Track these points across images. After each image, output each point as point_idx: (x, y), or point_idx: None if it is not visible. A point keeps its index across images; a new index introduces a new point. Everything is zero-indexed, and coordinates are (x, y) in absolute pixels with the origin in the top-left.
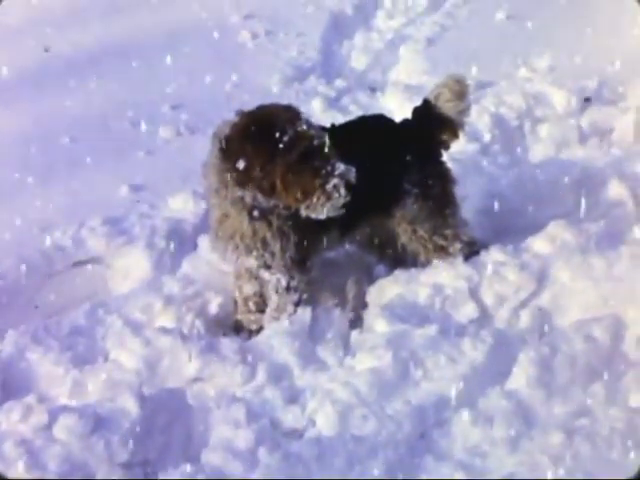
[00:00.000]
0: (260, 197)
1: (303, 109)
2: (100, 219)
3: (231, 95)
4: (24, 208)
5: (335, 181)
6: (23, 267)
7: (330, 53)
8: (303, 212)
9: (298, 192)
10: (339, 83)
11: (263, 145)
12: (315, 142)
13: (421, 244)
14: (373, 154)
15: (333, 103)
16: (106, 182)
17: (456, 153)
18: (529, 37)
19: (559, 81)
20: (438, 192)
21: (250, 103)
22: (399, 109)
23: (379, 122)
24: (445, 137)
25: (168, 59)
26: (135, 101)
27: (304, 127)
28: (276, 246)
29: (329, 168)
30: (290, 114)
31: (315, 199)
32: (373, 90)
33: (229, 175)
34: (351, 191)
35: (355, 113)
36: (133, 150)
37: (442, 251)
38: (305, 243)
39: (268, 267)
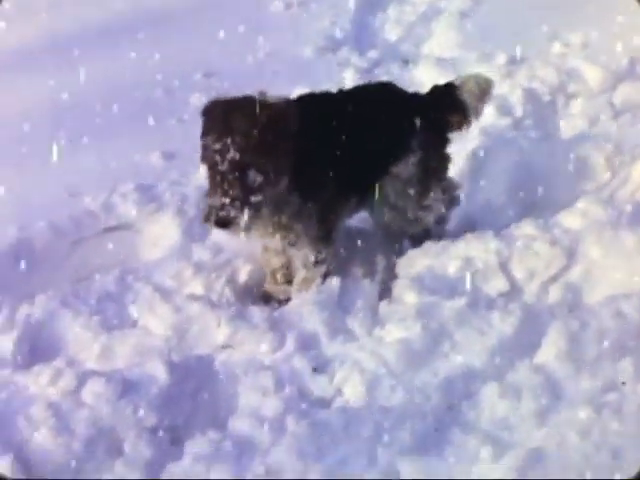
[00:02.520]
0: None
1: (335, 79)
2: (131, 185)
3: (263, 64)
4: (55, 173)
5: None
6: (53, 232)
7: (363, 25)
8: None
9: None
10: (372, 54)
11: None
12: (210, 163)
13: (409, 203)
14: (381, 117)
15: (365, 74)
16: (138, 149)
17: (488, 127)
18: (563, 12)
19: (592, 57)
20: (433, 165)
21: (282, 72)
22: (431, 82)
23: (390, 88)
24: (455, 119)
25: (201, 27)
26: (168, 69)
27: (218, 145)
28: (298, 227)
29: (211, 193)
30: (232, 121)
31: None
32: (405, 62)
33: None
34: (221, 227)
35: None
36: (165, 118)
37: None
38: (327, 217)
39: (293, 244)
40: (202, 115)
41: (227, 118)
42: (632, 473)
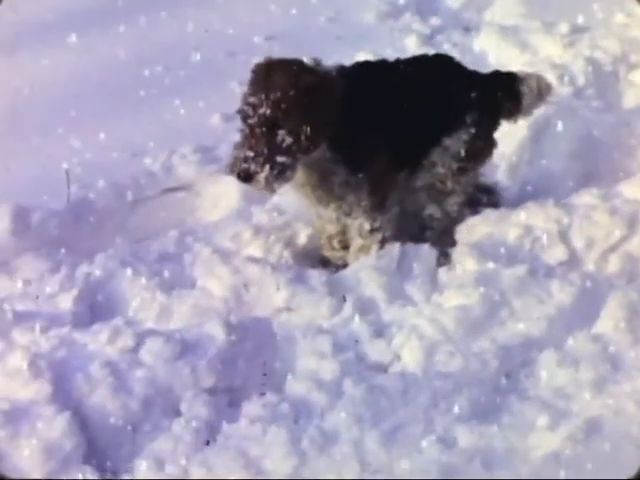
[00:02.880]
0: None
1: (398, 46)
2: (191, 147)
3: (325, 29)
4: (116, 134)
5: (231, 160)
6: (113, 192)
7: None
8: None
9: None
10: (434, 21)
11: None
12: (243, 115)
13: (440, 178)
14: (439, 89)
15: (427, 41)
16: (198, 111)
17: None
18: None
19: None
20: (481, 146)
21: (344, 37)
22: (493, 49)
23: (450, 61)
24: (509, 107)
25: None
26: (230, 32)
27: (253, 99)
28: (349, 197)
29: (238, 146)
30: (271, 82)
31: None
32: (467, 30)
33: None
34: (243, 180)
35: (449, 51)
36: (226, 80)
37: (444, 195)
38: (379, 187)
39: (348, 214)
40: (250, 72)
41: (268, 75)
42: (632, 473)
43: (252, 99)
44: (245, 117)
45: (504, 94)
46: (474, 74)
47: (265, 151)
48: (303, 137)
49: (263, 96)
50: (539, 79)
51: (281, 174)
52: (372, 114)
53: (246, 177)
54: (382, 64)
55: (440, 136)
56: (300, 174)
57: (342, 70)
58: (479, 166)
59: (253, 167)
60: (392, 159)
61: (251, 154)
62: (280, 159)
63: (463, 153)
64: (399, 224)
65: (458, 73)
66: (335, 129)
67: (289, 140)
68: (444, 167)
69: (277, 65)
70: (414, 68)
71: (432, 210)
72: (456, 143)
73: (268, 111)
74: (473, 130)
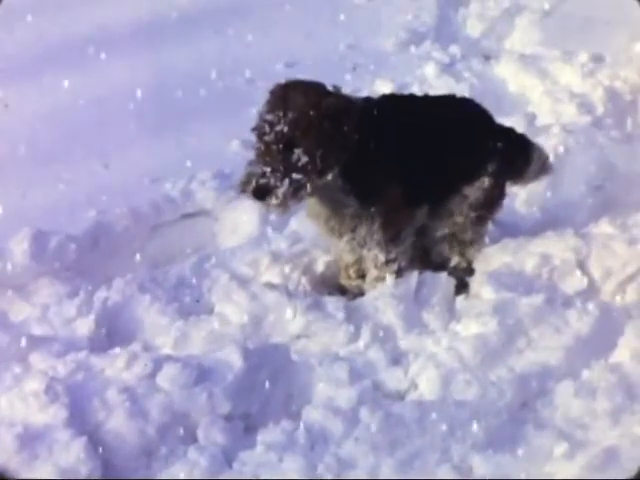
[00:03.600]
0: None
1: (417, 74)
2: (210, 173)
3: (345, 56)
4: (136, 159)
5: (245, 175)
6: (132, 217)
7: (445, 19)
8: None
9: None
10: (453, 49)
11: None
12: (258, 133)
13: (461, 228)
14: (464, 134)
15: (447, 69)
16: (218, 137)
17: (569, 125)
18: None
19: None
20: (497, 195)
21: (364, 65)
22: (513, 78)
23: (476, 106)
24: (518, 165)
25: (284, 18)
26: (250, 58)
27: (270, 117)
28: (362, 229)
29: (252, 162)
30: (291, 101)
31: None
32: (487, 58)
33: None
34: (257, 197)
35: (469, 80)
36: (246, 106)
37: (465, 245)
38: (393, 222)
39: (362, 246)
40: (269, 93)
41: (287, 94)
42: (632, 473)
43: (269, 116)
44: (261, 134)
45: (518, 153)
46: (497, 124)
47: (281, 168)
48: (318, 158)
49: (281, 113)
50: (544, 153)
51: (296, 192)
52: (391, 148)
53: (262, 193)
54: (410, 99)
55: (460, 183)
56: (313, 205)
57: (368, 101)
58: (494, 215)
59: (271, 182)
60: (409, 194)
61: (267, 170)
62: (296, 177)
63: (481, 202)
64: (415, 254)
65: (484, 120)
66: (350, 158)
67: (305, 159)
68: (462, 216)
69: (296, 85)
70: (441, 108)
71: (457, 261)
72: (475, 192)
73: (285, 128)
74: (493, 180)
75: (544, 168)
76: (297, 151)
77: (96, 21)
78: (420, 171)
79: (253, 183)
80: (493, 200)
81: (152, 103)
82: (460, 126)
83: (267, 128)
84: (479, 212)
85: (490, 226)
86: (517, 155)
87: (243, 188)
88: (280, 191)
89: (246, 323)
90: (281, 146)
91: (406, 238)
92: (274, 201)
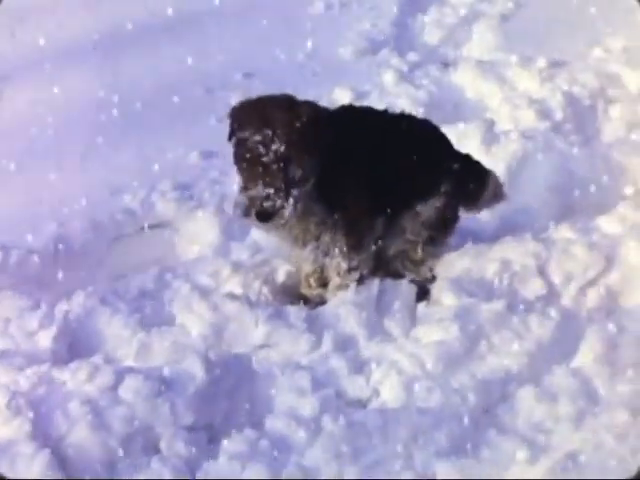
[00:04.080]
0: None
1: (376, 81)
2: (170, 184)
3: (303, 65)
4: (95, 172)
5: (240, 199)
6: (92, 230)
7: (403, 26)
8: None
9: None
10: (412, 57)
11: (230, 129)
12: (248, 155)
13: (412, 246)
14: (422, 152)
15: (405, 76)
16: (177, 148)
17: (528, 130)
18: (604, 17)
19: (633, 62)
20: (450, 217)
21: (322, 73)
22: (471, 85)
23: (436, 128)
24: (473, 190)
25: (242, 27)
26: (208, 68)
27: (258, 137)
28: (326, 237)
29: (249, 185)
30: (271, 117)
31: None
32: (445, 65)
33: None
34: (262, 219)
35: (427, 87)
36: (205, 117)
37: (417, 264)
38: (356, 228)
39: (325, 254)
40: (231, 115)
41: (264, 111)
42: (632, 473)
43: (257, 137)
44: (256, 156)
45: (473, 177)
46: (454, 148)
47: (282, 186)
48: (308, 168)
49: (270, 132)
50: (499, 181)
51: (297, 207)
52: (354, 158)
53: (269, 215)
54: (368, 111)
55: (414, 200)
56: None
57: (321, 106)
58: (446, 238)
59: (278, 203)
60: (371, 203)
61: (271, 190)
62: (295, 192)
63: (434, 221)
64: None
65: (441, 141)
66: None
67: (299, 172)
68: (414, 234)
69: (267, 101)
70: (400, 125)
71: (410, 277)
72: (428, 210)
73: (282, 147)
74: (445, 200)
75: (498, 195)
76: (292, 166)
77: (54, 33)
78: (377, 184)
79: (257, 207)
80: (445, 221)
81: (111, 115)
82: (417, 145)
83: (262, 149)
84: (431, 232)
85: (445, 248)
86: (472, 180)
87: (246, 214)
88: (287, 211)
89: (208, 334)
90: (281, 164)
91: (368, 246)
92: (282, 221)
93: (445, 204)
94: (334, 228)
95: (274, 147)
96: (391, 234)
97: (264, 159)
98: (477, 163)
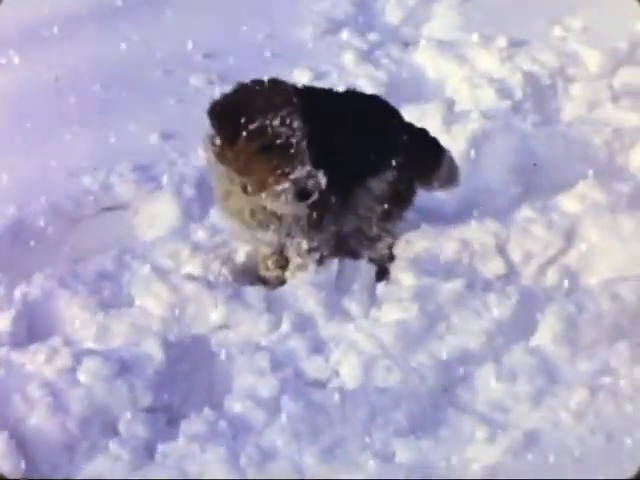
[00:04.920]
0: (234, 175)
1: (336, 62)
2: (129, 166)
3: (263, 46)
4: (54, 153)
5: (285, 185)
6: (51, 211)
7: (364, 7)
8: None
9: (255, 182)
10: (372, 37)
11: (229, 128)
12: (279, 141)
13: (366, 222)
14: (371, 128)
15: (365, 57)
16: (136, 129)
17: (488, 110)
18: None
19: (592, 41)
20: (403, 190)
21: (282, 54)
22: (432, 64)
23: (384, 102)
24: (427, 165)
25: (202, 8)
26: (168, 49)
27: (278, 120)
28: (288, 217)
29: (286, 170)
30: (273, 101)
31: (265, 195)
32: (406, 45)
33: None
34: (305, 199)
35: (387, 67)
36: (165, 98)
37: (372, 240)
38: (318, 206)
39: (287, 234)
40: (218, 113)
41: (267, 98)
42: (632, 473)
43: (276, 121)
44: (288, 139)
45: (427, 153)
46: (406, 121)
47: (310, 163)
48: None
49: (285, 112)
50: (455, 163)
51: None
52: (310, 137)
53: (312, 193)
54: (313, 90)
55: (364, 176)
56: (235, 200)
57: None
58: (402, 213)
59: (320, 178)
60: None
61: (308, 168)
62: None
63: (387, 196)
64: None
65: (389, 114)
66: None
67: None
68: (367, 209)
69: (252, 90)
70: (348, 102)
71: (367, 255)
72: (380, 185)
73: (301, 123)
74: (397, 174)
75: (453, 177)
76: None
77: (12, 16)
78: (329, 162)
79: (302, 187)
80: (399, 195)
81: (70, 97)
82: (364, 119)
83: (288, 131)
84: (385, 207)
85: (401, 223)
86: (425, 153)
87: (299, 194)
88: (323, 182)
89: (167, 315)
90: (306, 142)
91: (328, 226)
92: (315, 198)
93: (397, 178)
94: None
95: (296, 125)
96: (345, 211)
97: (294, 140)
98: (433, 138)
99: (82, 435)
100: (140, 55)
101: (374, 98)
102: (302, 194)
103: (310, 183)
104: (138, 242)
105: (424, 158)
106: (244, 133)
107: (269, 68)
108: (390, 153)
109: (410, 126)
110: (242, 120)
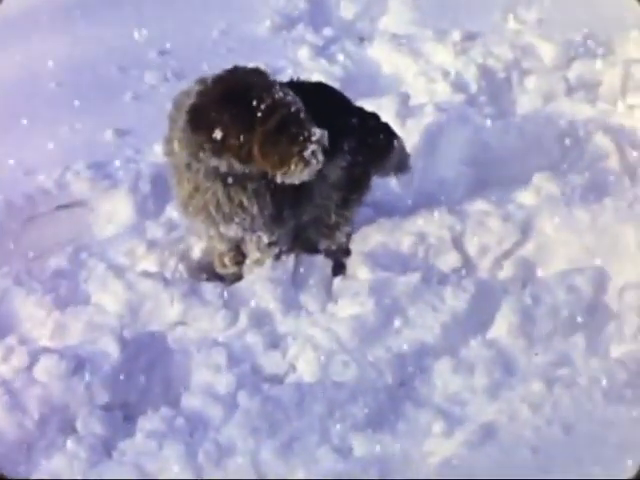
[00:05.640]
0: (237, 165)
1: (291, 57)
2: (85, 163)
3: (218, 42)
4: (8, 151)
5: (313, 147)
6: (6, 210)
7: (318, 2)
8: (279, 178)
9: (276, 160)
10: (327, 32)
11: (240, 113)
12: (292, 109)
13: (324, 210)
14: (317, 114)
15: (321, 52)
16: (91, 126)
17: (443, 103)
18: None
19: (547, 33)
20: (359, 175)
21: (238, 50)
22: (387, 59)
23: (333, 90)
24: (380, 148)
25: (156, 4)
26: (122, 46)
27: (280, 94)
28: (254, 208)
29: (306, 134)
30: (264, 80)
31: (293, 166)
32: (361, 39)
33: (204, 146)
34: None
35: (343, 62)
36: (119, 95)
37: (331, 229)
38: (278, 197)
39: (250, 227)
40: (224, 98)
41: (257, 80)
42: (632, 473)
43: (279, 95)
44: (296, 108)
45: (379, 136)
46: (355, 106)
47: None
48: None
49: (279, 87)
50: (406, 150)
51: None
52: None
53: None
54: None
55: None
56: (201, 195)
57: None
58: (360, 198)
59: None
60: None
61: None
62: None
63: (343, 182)
64: (294, 238)
65: (336, 99)
66: None
67: None
68: (323, 197)
69: (240, 72)
70: (294, 89)
71: (325, 245)
72: (334, 171)
73: (299, 101)
74: (351, 158)
75: (404, 164)
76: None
77: None
78: None
79: (324, 143)
80: (355, 180)
81: (23, 94)
82: (312, 105)
83: (292, 99)
84: (342, 194)
85: (360, 209)
86: (378, 139)
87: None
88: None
89: (123, 312)
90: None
91: (288, 220)
92: None
93: (351, 162)
94: (263, 195)
95: (292, 93)
96: (302, 201)
97: (298, 107)
98: (384, 123)
99: (39, 433)
100: (94, 52)
101: (319, 84)
102: (324, 150)
103: (325, 140)
104: (94, 239)
105: (376, 142)
106: (258, 114)
107: (224, 64)
108: (341, 137)
109: (360, 110)
110: (253, 102)
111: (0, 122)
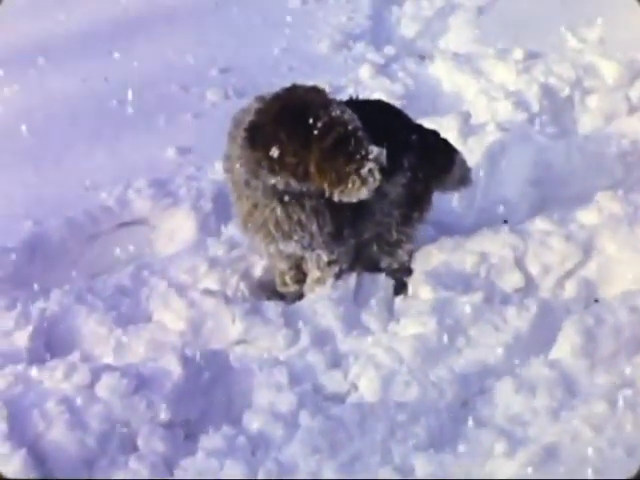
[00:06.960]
0: (294, 183)
1: (352, 75)
2: (146, 181)
3: (279, 60)
4: (71, 169)
5: (370, 165)
6: (68, 227)
7: (379, 20)
8: (336, 197)
9: (333, 178)
10: (388, 50)
11: (297, 131)
12: (349, 127)
13: (385, 228)
14: (377, 131)
15: (382, 70)
16: (153, 144)
17: (505, 122)
18: (580, 8)
19: (609, 52)
20: (420, 192)
21: (298, 68)
22: (448, 77)
23: (392, 106)
24: (441, 165)
25: (217, 23)
26: (184, 64)
27: (337, 112)
28: (313, 226)
29: (363, 152)
30: (321, 97)
31: (350, 184)
32: (422, 58)
33: (261, 163)
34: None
35: (404, 80)
36: (181, 113)
37: (392, 246)
38: (338, 216)
39: (309, 245)
40: (282, 115)
41: (314, 96)
42: (632, 473)
43: (336, 113)
44: (353, 126)
45: (440, 153)
46: (414, 123)
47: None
48: None
49: (336, 105)
50: (467, 165)
51: None
52: None
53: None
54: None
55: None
56: (260, 212)
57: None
58: (422, 215)
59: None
60: None
61: (376, 146)
62: None
63: (404, 199)
64: (355, 256)
65: (395, 116)
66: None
67: None
68: (385, 215)
69: (298, 90)
70: (352, 107)
71: (387, 263)
72: (395, 189)
73: (356, 119)
74: (411, 175)
75: (465, 178)
76: None
77: (30, 31)
78: None
79: (382, 161)
80: (416, 197)
81: (86, 112)
82: (370, 122)
83: (349, 117)
84: (403, 211)
85: (422, 226)
86: (438, 152)
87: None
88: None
89: (185, 330)
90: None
91: (348, 238)
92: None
93: (412, 179)
94: (322, 214)
95: (349, 111)
96: (363, 219)
97: (355, 125)
98: (445, 140)
99: (101, 451)
100: (156, 71)
101: (378, 102)
102: (381, 169)
103: (383, 158)
104: (155, 257)
105: (436, 158)
106: (315, 132)
107: (285, 82)
108: (400, 154)
109: (419, 127)
110: (310, 120)
111: (62, 140)
